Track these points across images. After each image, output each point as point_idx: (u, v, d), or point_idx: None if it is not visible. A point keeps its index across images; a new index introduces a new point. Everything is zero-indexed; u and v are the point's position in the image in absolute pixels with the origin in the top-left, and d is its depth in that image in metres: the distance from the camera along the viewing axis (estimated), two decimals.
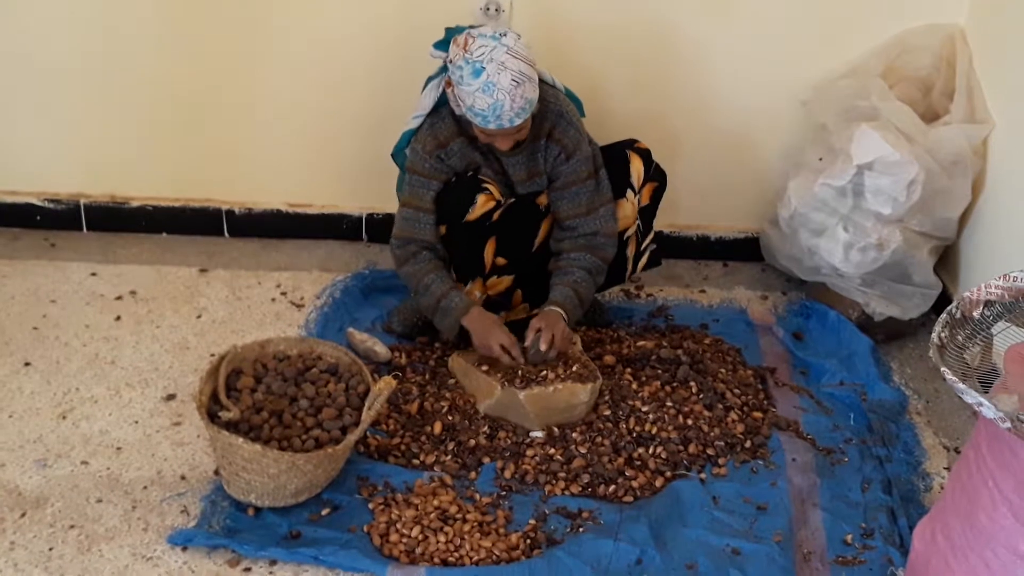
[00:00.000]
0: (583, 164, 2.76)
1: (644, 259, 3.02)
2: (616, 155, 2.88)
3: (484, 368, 2.69)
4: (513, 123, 2.56)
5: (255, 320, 3.07)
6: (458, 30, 2.65)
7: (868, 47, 3.17)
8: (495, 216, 2.76)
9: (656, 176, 2.93)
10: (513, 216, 2.80)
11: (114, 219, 3.48)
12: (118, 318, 3.04)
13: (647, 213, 2.96)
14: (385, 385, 2.36)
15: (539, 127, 2.73)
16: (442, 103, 2.72)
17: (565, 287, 2.78)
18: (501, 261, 2.84)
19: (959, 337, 1.90)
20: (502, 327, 2.73)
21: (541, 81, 2.70)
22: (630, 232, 2.92)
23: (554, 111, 2.73)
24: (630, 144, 2.90)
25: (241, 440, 2.21)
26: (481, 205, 2.73)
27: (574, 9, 3.18)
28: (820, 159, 3.08)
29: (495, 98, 2.50)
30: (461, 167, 2.75)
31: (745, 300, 3.31)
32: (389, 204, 3.16)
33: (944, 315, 1.91)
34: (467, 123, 2.67)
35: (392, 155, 2.89)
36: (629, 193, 2.88)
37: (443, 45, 2.67)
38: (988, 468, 1.80)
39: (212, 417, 2.31)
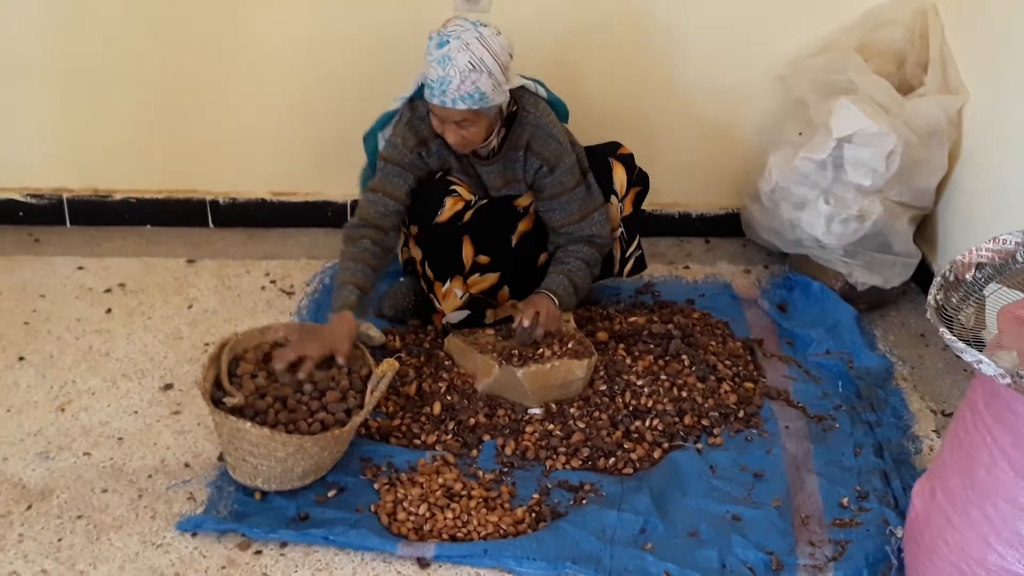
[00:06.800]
0: (568, 174, 2.76)
1: (629, 265, 3.04)
2: (598, 163, 2.89)
3: (481, 348, 2.72)
4: (456, 105, 2.52)
5: (247, 309, 3.08)
6: None
7: (842, 22, 3.23)
8: (466, 217, 2.77)
9: (639, 181, 2.95)
10: (488, 215, 2.81)
11: (98, 213, 3.48)
12: (109, 311, 3.04)
13: (630, 221, 2.98)
14: (389, 367, 2.39)
15: (517, 138, 2.72)
16: (419, 94, 2.69)
17: (558, 275, 2.79)
18: (484, 259, 2.85)
19: (953, 299, 1.96)
20: (323, 341, 2.48)
21: (523, 90, 2.71)
22: (615, 235, 2.96)
23: (532, 123, 2.71)
24: (612, 151, 2.91)
25: (249, 424, 2.23)
26: (450, 208, 2.73)
27: None
28: (800, 133, 3.14)
29: (446, 72, 2.48)
30: (436, 167, 2.77)
31: (729, 275, 3.36)
32: None
33: (938, 278, 1.97)
34: None
35: (364, 137, 2.88)
36: (613, 199, 2.91)
37: None
38: (986, 425, 1.86)
39: (216, 403, 2.33)
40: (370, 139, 2.89)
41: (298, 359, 2.45)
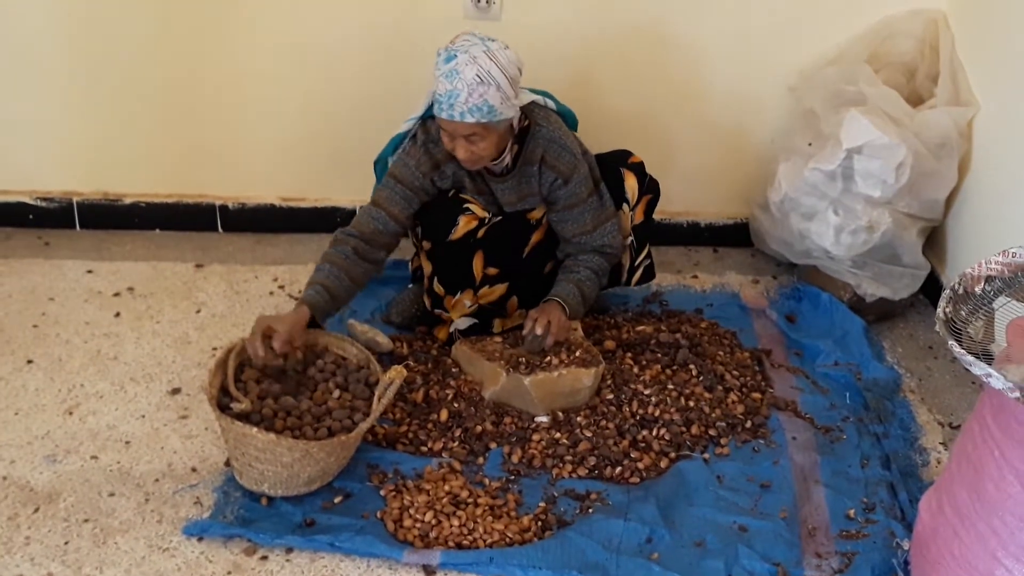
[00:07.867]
0: (581, 185, 2.75)
1: (638, 274, 3.04)
2: (609, 172, 2.88)
3: (488, 355, 2.72)
4: (464, 118, 2.50)
5: (254, 314, 3.05)
6: None
7: (852, 33, 3.23)
8: (480, 234, 2.76)
9: (650, 188, 2.95)
10: (501, 229, 2.80)
11: (107, 217, 3.48)
12: (117, 314, 3.04)
13: (641, 230, 2.98)
14: (396, 374, 2.39)
15: (531, 153, 2.72)
16: (430, 113, 2.67)
17: (568, 283, 2.79)
18: (493, 271, 2.85)
19: (963, 312, 1.95)
20: (278, 328, 2.42)
21: (534, 104, 2.71)
22: (626, 243, 2.95)
23: (545, 136, 2.71)
24: (623, 160, 2.90)
25: (255, 430, 2.23)
26: (463, 226, 2.73)
27: (562, 1, 3.22)
28: (809, 144, 3.13)
29: (454, 85, 2.47)
30: (449, 188, 2.76)
31: (737, 284, 3.36)
32: None
33: (948, 291, 1.96)
34: None
35: (375, 162, 2.89)
36: (624, 207, 2.91)
37: None
38: (994, 439, 1.86)
39: (223, 409, 2.33)
40: (380, 164, 2.87)
41: (266, 337, 2.41)
